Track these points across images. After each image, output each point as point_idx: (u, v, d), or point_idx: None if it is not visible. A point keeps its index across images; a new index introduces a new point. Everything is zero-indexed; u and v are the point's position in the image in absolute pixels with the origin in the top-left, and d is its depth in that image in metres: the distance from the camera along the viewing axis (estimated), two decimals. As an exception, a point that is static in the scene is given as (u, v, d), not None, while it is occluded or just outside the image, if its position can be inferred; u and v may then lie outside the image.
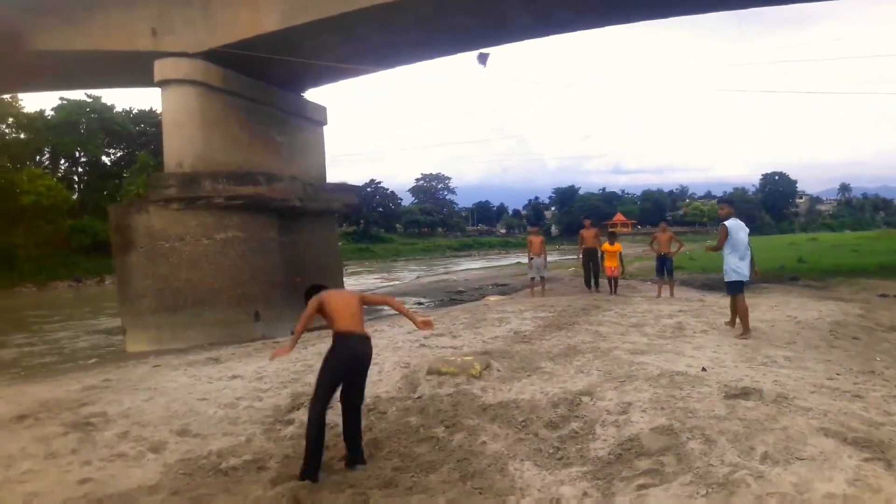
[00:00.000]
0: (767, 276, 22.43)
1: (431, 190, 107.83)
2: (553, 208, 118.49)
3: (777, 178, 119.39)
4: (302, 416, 5.70)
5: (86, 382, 7.53)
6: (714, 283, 20.71)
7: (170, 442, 5.26)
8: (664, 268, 14.06)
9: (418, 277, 44.37)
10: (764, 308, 11.16)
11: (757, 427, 4.29)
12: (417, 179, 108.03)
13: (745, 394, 4.98)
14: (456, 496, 4.04)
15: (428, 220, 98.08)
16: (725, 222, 9.10)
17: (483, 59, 22.00)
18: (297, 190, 19.68)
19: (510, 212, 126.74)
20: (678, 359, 6.65)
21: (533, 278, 15.18)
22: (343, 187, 23.19)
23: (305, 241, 21.39)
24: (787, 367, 6.25)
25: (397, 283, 40.54)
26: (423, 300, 26.87)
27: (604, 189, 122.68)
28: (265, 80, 19.83)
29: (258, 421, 5.71)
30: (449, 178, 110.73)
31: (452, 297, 26.46)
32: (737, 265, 8.82)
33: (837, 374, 5.94)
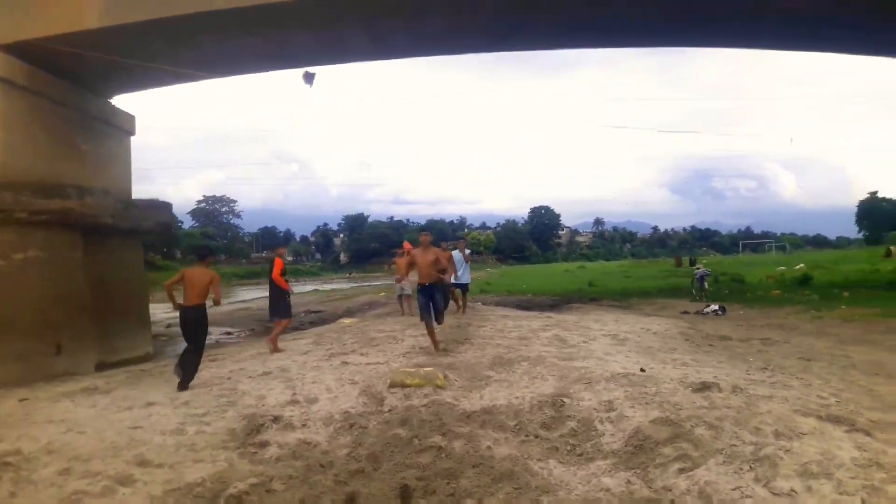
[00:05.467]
0: (573, 297, 24.69)
1: (214, 213, 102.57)
2: (342, 235, 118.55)
3: (543, 211, 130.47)
4: (275, 436, 5.34)
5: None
6: (523, 303, 22.32)
7: (134, 474, 4.62)
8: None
9: (212, 305, 41.93)
10: (611, 324, 12.27)
11: (746, 413, 4.86)
12: (199, 202, 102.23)
13: (706, 387, 5.59)
14: (506, 497, 4.08)
15: (210, 246, 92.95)
16: (453, 252, 14.85)
17: (309, 78, 21.70)
18: (109, 206, 17.81)
19: (297, 238, 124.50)
20: (606, 363, 7.19)
21: (400, 296, 15.74)
22: (155, 204, 21.39)
23: (112, 262, 19.29)
24: (703, 367, 7.06)
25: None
26: (231, 330, 25.52)
27: (391, 217, 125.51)
28: (73, 80, 17.84)
29: (220, 446, 5.20)
30: (234, 202, 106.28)
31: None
32: (460, 276, 14.29)
33: (747, 372, 6.83)
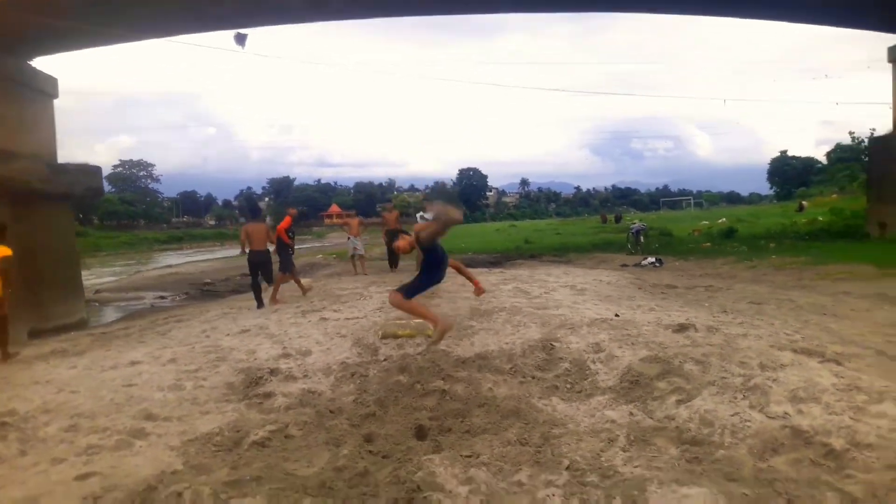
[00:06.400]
0: (512, 254, 25.23)
1: (132, 178, 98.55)
2: (267, 198, 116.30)
3: (472, 173, 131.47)
4: (278, 387, 5.44)
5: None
6: (465, 261, 22.67)
7: (145, 427, 4.64)
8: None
9: (139, 272, 40.64)
10: (563, 277, 12.73)
11: (728, 349, 5.26)
12: (115, 166, 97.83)
13: (684, 328, 5.98)
14: (519, 431, 4.33)
15: (129, 211, 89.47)
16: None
17: (241, 39, 21.15)
18: (38, 170, 17.14)
19: (219, 202, 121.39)
20: (579, 310, 7.54)
21: (353, 256, 15.87)
22: (85, 169, 20.58)
23: (43, 228, 18.55)
24: (670, 311, 7.49)
25: (119, 277, 36.77)
26: (164, 294, 24.98)
27: (318, 180, 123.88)
28: (-10, 43, 16.82)
29: (222, 399, 5.26)
30: (152, 166, 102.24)
31: (202, 289, 25.01)
32: None
33: (713, 315, 7.30)
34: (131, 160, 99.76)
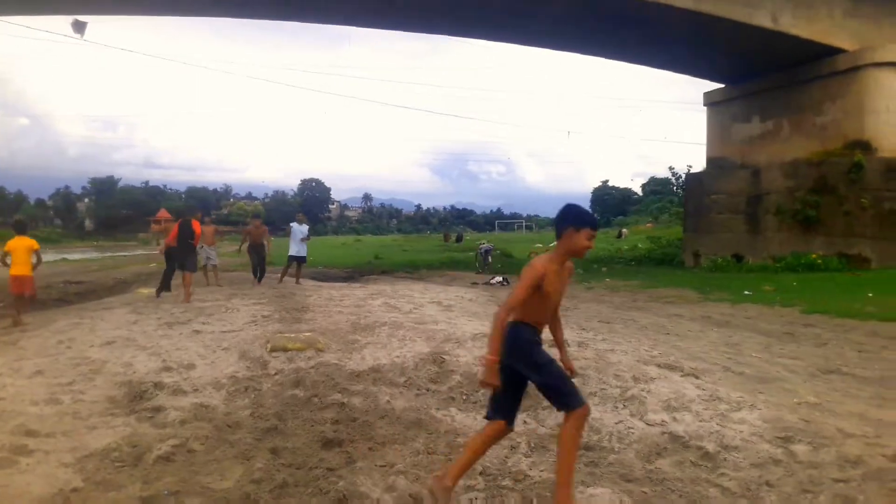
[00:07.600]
0: (364, 269, 25.33)
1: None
2: (87, 199, 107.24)
3: (314, 184, 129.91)
4: (168, 401, 5.26)
5: None
6: (318, 275, 22.58)
7: (28, 444, 4.32)
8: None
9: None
10: (426, 293, 13.10)
11: (601, 363, 5.80)
12: None
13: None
14: (426, 440, 4.55)
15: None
16: (293, 224, 16.71)
17: (80, 27, 19.85)
18: None
19: (31, 201, 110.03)
20: (456, 325, 7.88)
21: (205, 266, 15.24)
22: None
23: None
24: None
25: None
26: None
27: (146, 183, 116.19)
28: None
29: (106, 413, 4.99)
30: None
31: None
32: (295, 249, 16.17)
33: (577, 332, 7.92)
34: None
